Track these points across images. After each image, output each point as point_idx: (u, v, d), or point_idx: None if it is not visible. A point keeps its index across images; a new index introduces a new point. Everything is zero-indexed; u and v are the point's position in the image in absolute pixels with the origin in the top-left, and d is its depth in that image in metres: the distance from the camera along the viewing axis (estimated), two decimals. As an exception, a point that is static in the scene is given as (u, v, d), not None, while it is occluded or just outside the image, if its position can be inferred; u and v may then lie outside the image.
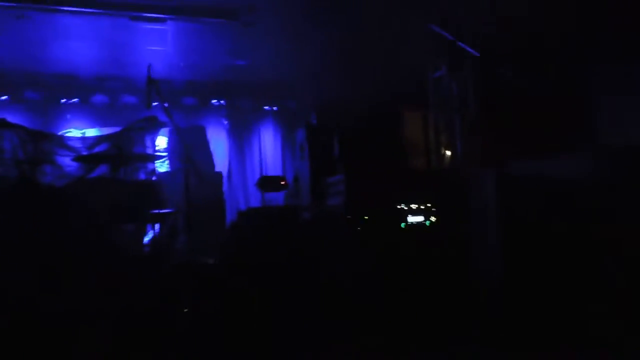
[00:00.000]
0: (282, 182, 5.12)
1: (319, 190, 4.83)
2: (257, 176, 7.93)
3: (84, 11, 5.59)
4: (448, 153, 6.11)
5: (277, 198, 6.12)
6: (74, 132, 7.11)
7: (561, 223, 3.57)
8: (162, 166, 6.23)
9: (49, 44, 6.21)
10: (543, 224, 3.61)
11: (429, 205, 4.40)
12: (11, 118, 5.99)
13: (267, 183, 5.41)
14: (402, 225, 4.27)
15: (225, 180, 7.29)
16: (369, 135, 4.71)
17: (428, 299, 4.07)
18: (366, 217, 4.18)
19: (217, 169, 7.23)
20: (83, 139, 6.50)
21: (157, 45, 6.38)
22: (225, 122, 8.09)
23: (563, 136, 4.86)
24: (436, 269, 4.20)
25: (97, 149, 5.59)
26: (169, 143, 6.59)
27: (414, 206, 4.35)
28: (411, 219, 4.31)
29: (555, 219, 3.59)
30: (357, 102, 5.08)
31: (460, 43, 5.60)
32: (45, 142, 5.71)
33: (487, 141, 5.28)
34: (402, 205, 4.32)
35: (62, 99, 7.33)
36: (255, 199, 7.86)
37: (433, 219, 4.38)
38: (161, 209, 4.66)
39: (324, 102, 6.12)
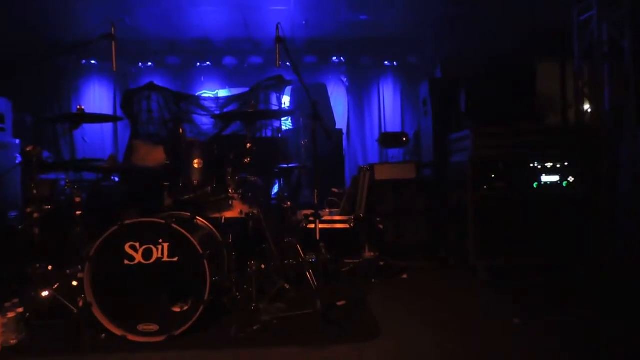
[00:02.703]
0: (404, 139, 5.03)
1: (443, 147, 4.66)
2: (377, 133, 7.93)
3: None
4: (591, 108, 5.45)
5: (397, 155, 6.07)
6: (207, 93, 7.71)
7: None
8: (287, 124, 6.51)
9: (185, 12, 6.67)
10: None
11: (566, 164, 4.01)
12: (157, 81, 6.70)
13: (388, 139, 5.36)
14: (535, 185, 3.97)
15: (345, 136, 7.40)
16: (499, 88, 4.36)
17: (562, 269, 3.81)
18: (493, 176, 3.95)
19: (338, 125, 7.35)
20: (216, 99, 7.04)
21: (280, 5, 6.53)
22: (345, 79, 8.11)
23: None
24: (572, 234, 3.88)
25: (228, 108, 6.01)
26: (292, 101, 6.83)
27: (548, 165, 4.00)
28: (545, 178, 3.98)
29: None
30: (486, 52, 4.72)
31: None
32: (185, 102, 6.29)
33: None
34: (535, 164, 3.99)
35: (197, 63, 7.94)
36: (374, 155, 7.89)
37: (571, 179, 3.99)
38: (287, 164, 4.90)
39: (448, 54, 5.80)
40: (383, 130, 7.90)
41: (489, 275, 3.82)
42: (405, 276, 3.96)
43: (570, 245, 3.88)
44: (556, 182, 3.99)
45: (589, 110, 5.56)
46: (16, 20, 6.00)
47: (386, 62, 8.14)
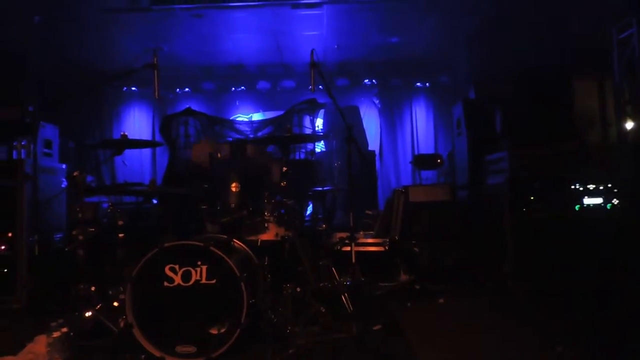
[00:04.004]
0: (439, 160, 4.99)
1: (479, 168, 4.59)
2: (409, 154, 7.89)
3: (250, 5, 6.06)
4: (634, 125, 5.26)
5: (431, 176, 6.02)
6: (242, 117, 7.89)
7: None
8: (319, 146, 6.57)
9: (220, 39, 6.90)
10: None
11: (609, 185, 3.88)
12: (193, 106, 6.92)
13: (422, 161, 5.32)
14: (577, 207, 3.85)
15: (377, 158, 7.40)
16: (536, 107, 4.29)
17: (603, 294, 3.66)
18: (532, 198, 3.86)
19: (370, 147, 7.36)
20: (250, 122, 7.21)
21: (312, 30, 6.67)
22: (377, 101, 8.15)
23: None
24: (614, 258, 3.72)
25: (262, 132, 6.14)
26: (325, 123, 6.90)
27: (590, 186, 3.88)
28: (588, 200, 3.86)
29: None
30: (520, 71, 4.67)
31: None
32: (220, 126, 6.47)
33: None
34: (577, 185, 3.88)
35: (232, 88, 8.16)
36: (406, 177, 7.84)
37: (615, 201, 3.86)
38: (320, 187, 4.93)
39: (482, 73, 5.76)
40: (416, 152, 7.86)
41: (528, 300, 3.70)
42: (441, 300, 3.88)
43: (613, 269, 3.72)
44: (599, 204, 3.86)
45: (631, 128, 5.37)
46: (63, 54, 6.35)
47: (418, 83, 8.15)
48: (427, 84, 8.15)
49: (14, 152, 4.40)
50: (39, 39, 5.74)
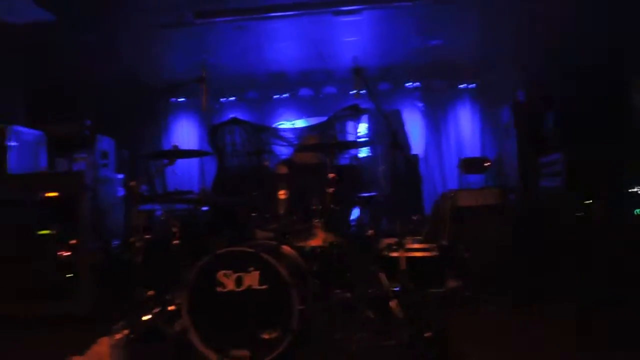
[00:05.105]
0: (486, 164, 4.88)
1: (530, 171, 4.45)
2: (454, 157, 7.75)
3: (290, 15, 6.16)
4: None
5: (478, 180, 5.89)
6: (285, 124, 8.01)
7: None
8: (363, 151, 6.57)
9: (263, 48, 7.04)
10: None
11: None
12: (238, 115, 7.09)
13: (469, 164, 5.22)
14: (636, 211, 3.67)
15: (421, 162, 7.32)
16: (590, 107, 4.12)
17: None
18: (589, 202, 3.71)
19: (413, 151, 7.29)
20: (294, 129, 7.30)
21: (352, 36, 6.70)
22: (420, 104, 8.06)
23: None
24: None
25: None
26: (368, 129, 6.90)
27: (652, 188, 3.69)
28: (648, 203, 3.67)
29: None
30: (576, 71, 4.49)
31: None
32: (265, 134, 6.60)
33: None
34: (636, 188, 3.70)
35: (275, 95, 8.30)
36: (452, 180, 7.69)
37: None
38: (365, 193, 4.92)
39: (531, 73, 5.59)
40: (461, 155, 7.69)
41: (587, 309, 3.54)
42: (493, 308, 3.79)
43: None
44: (661, 207, 3.67)
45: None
46: (114, 71, 6.67)
47: (462, 85, 8.00)
48: (472, 85, 7.98)
49: (74, 165, 4.66)
50: (93, 56, 6.06)
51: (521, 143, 4.85)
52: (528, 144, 4.74)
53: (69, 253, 4.03)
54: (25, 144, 4.63)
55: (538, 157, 4.30)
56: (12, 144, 4.43)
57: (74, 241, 4.06)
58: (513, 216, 4.18)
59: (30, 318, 3.90)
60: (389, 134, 3.25)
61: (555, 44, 5.22)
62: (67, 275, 4.02)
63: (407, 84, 8.07)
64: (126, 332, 2.96)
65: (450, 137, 7.96)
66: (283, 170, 3.94)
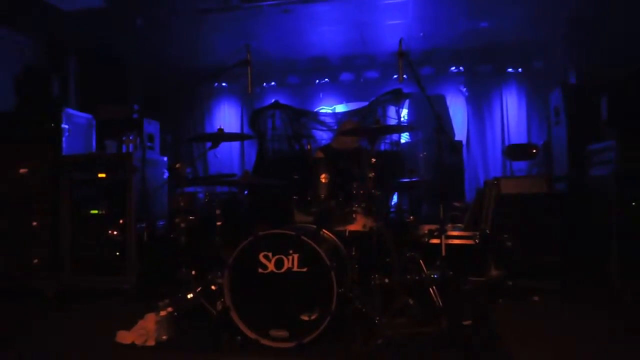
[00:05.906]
0: (534, 150, 4.70)
1: (580, 159, 4.26)
2: (499, 144, 7.52)
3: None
4: None
5: (524, 167, 5.69)
6: (325, 109, 7.98)
7: None
8: (404, 137, 6.48)
9: (305, 33, 7.00)
10: None
11: None
12: (279, 100, 7.12)
13: (515, 151, 5.04)
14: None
15: (464, 148, 7.14)
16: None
17: None
18: (644, 191, 3.51)
19: (457, 137, 7.12)
20: (334, 114, 7.27)
21: (397, 19, 6.55)
22: (464, 89, 7.84)
23: None
24: None
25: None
26: (410, 114, 6.78)
27: None
28: None
29: None
30: (627, 53, 4.24)
31: None
32: (306, 119, 6.60)
33: None
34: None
35: (316, 80, 8.27)
36: (495, 168, 7.48)
37: None
38: (407, 178, 4.86)
39: (582, 57, 5.30)
40: (506, 142, 7.45)
41: (635, 301, 3.39)
42: (536, 298, 3.69)
43: None
44: None
45: None
46: (159, 56, 6.83)
47: (509, 69, 7.70)
48: (519, 69, 7.66)
49: (123, 147, 4.83)
50: (141, 42, 6.22)
51: (571, 129, 4.63)
52: (578, 131, 4.52)
53: (117, 232, 4.21)
54: (77, 126, 4.84)
55: (589, 144, 4.10)
56: (66, 126, 4.64)
57: (121, 221, 4.23)
58: (560, 205, 4.02)
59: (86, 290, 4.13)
60: (434, 119, 3.16)
61: (609, 26, 4.92)
62: (115, 253, 4.21)
63: (451, 69, 7.85)
64: (170, 309, 3.08)
65: (495, 123, 7.71)
66: (320, 155, 3.95)
